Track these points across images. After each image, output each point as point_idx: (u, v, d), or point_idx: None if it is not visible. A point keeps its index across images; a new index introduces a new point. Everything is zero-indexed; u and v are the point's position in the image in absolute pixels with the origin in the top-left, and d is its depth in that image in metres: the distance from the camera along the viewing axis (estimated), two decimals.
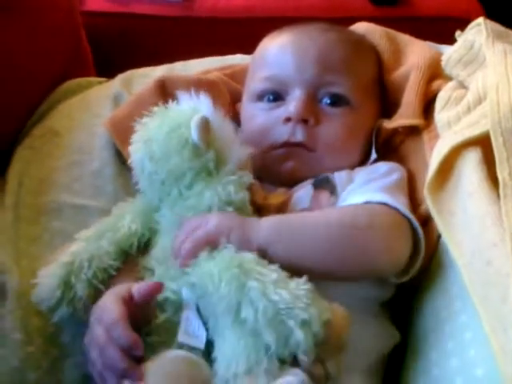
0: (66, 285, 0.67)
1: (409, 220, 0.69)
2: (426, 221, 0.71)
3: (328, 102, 0.79)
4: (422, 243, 0.69)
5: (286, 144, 0.78)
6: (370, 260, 0.66)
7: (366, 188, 0.73)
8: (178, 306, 0.64)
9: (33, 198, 0.83)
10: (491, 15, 1.53)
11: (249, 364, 0.57)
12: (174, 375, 0.57)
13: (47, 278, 0.68)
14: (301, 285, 0.58)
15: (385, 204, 0.69)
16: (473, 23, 0.84)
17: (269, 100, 0.81)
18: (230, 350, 0.58)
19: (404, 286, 0.72)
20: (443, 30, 1.01)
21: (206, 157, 0.69)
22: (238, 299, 0.57)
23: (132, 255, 0.71)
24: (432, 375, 0.63)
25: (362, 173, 0.76)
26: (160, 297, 0.64)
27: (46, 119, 0.97)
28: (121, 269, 0.69)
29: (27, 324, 0.70)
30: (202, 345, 0.61)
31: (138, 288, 0.63)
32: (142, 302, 0.62)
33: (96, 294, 0.67)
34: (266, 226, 0.65)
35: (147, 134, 0.71)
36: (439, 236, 0.69)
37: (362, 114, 0.81)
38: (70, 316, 0.68)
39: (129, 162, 0.73)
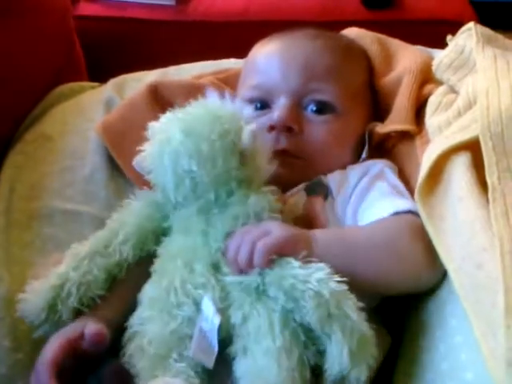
0: (51, 309, 0.66)
1: None
2: None
3: (313, 109, 0.79)
4: None
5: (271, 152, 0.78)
6: (416, 275, 0.67)
7: (382, 194, 0.73)
8: (191, 318, 0.62)
9: (25, 204, 0.82)
10: (483, 18, 1.54)
11: None
12: None
13: (34, 297, 0.66)
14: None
15: (410, 211, 0.69)
16: (463, 28, 0.84)
17: (256, 108, 0.81)
18: (268, 379, 0.57)
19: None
20: (436, 33, 1.01)
21: (250, 167, 0.68)
22: (326, 325, 0.57)
23: (120, 278, 0.70)
24: (424, 380, 0.63)
25: (354, 171, 0.77)
26: (174, 302, 0.62)
27: (38, 124, 0.96)
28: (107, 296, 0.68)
29: (16, 331, 0.70)
30: (211, 364, 0.59)
31: (87, 334, 0.62)
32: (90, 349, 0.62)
33: (80, 315, 0.67)
34: (322, 242, 0.65)
35: (185, 125, 0.66)
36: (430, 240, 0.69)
37: (350, 120, 0.81)
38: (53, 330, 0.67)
39: (144, 149, 0.68)
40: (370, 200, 0.72)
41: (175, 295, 0.62)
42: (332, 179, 0.76)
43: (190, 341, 0.61)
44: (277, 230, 0.63)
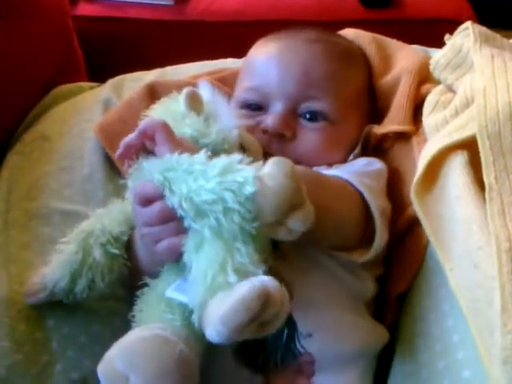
0: (85, 249, 0.67)
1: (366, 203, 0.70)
2: (414, 223, 0.72)
3: (307, 116, 0.79)
4: (377, 227, 0.70)
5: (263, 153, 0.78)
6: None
7: (338, 168, 0.75)
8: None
9: (23, 204, 0.83)
10: (482, 16, 1.54)
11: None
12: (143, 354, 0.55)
13: (66, 248, 0.68)
14: None
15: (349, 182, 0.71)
16: (461, 27, 0.84)
17: (251, 109, 0.81)
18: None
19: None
20: (435, 31, 1.02)
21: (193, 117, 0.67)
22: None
23: None
24: (421, 378, 0.64)
25: (340, 166, 0.77)
26: None
27: (36, 124, 0.97)
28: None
29: (15, 331, 0.70)
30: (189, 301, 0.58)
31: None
32: None
33: (112, 264, 0.68)
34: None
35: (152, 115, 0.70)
36: (428, 240, 0.69)
37: (344, 127, 0.81)
38: (88, 289, 0.68)
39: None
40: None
41: None
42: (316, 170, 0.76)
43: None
44: None
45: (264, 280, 0.52)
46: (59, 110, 0.99)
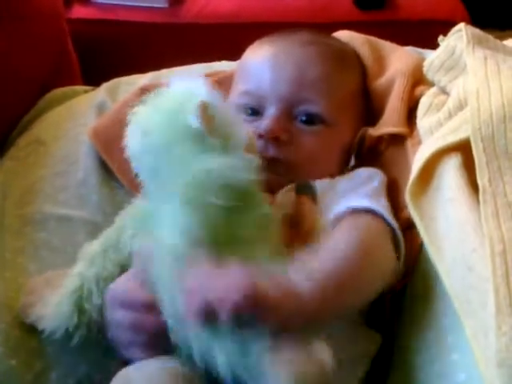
0: (81, 311, 0.67)
1: (391, 226, 0.69)
2: (409, 226, 0.72)
3: (303, 119, 0.79)
4: (402, 249, 0.69)
5: (260, 157, 0.78)
6: (367, 285, 0.65)
7: (350, 194, 0.73)
8: None
9: (17, 209, 0.83)
10: (475, 17, 1.55)
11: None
12: None
13: (60, 307, 0.67)
14: None
15: (370, 210, 0.69)
16: (454, 29, 0.84)
17: (247, 113, 0.81)
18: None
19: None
20: (429, 33, 1.02)
21: (211, 142, 0.61)
22: None
23: None
24: (416, 380, 0.64)
25: (343, 180, 0.77)
26: None
27: (31, 128, 0.97)
28: None
29: (10, 337, 0.69)
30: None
31: None
32: None
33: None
34: (310, 296, 0.58)
35: (142, 125, 0.63)
36: (422, 242, 0.69)
37: (340, 130, 0.81)
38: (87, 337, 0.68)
39: (126, 155, 0.65)
40: (337, 200, 0.71)
41: None
42: (320, 185, 0.75)
43: None
44: (235, 278, 0.53)
45: None
46: (54, 114, 0.99)
